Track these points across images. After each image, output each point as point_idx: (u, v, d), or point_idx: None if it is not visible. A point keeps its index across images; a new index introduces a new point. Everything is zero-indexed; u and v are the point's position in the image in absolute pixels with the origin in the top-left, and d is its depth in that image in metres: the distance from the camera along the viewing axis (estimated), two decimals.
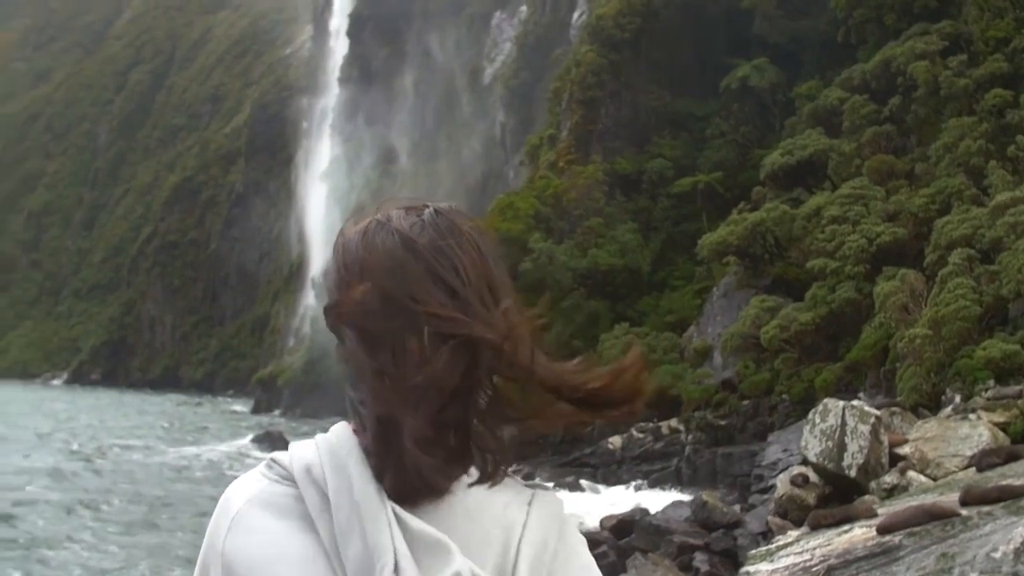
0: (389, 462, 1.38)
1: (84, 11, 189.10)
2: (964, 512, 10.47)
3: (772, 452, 24.13)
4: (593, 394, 1.45)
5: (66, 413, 70.53)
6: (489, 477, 1.42)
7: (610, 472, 32.24)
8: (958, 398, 21.04)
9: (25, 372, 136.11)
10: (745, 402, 31.48)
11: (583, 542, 1.48)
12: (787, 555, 11.56)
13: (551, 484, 29.51)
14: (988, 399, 19.62)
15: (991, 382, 20.97)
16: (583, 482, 31.33)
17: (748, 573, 11.46)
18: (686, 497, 25.27)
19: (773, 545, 13.27)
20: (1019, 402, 18.45)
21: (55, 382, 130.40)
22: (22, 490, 33.28)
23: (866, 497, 15.38)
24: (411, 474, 1.37)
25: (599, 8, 56.67)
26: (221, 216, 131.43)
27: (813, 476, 16.97)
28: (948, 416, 19.09)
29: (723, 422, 31.25)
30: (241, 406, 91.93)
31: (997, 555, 8.79)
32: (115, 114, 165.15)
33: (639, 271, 45.05)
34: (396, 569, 1.31)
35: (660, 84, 53.69)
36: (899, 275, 26.56)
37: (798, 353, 30.52)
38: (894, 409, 20.54)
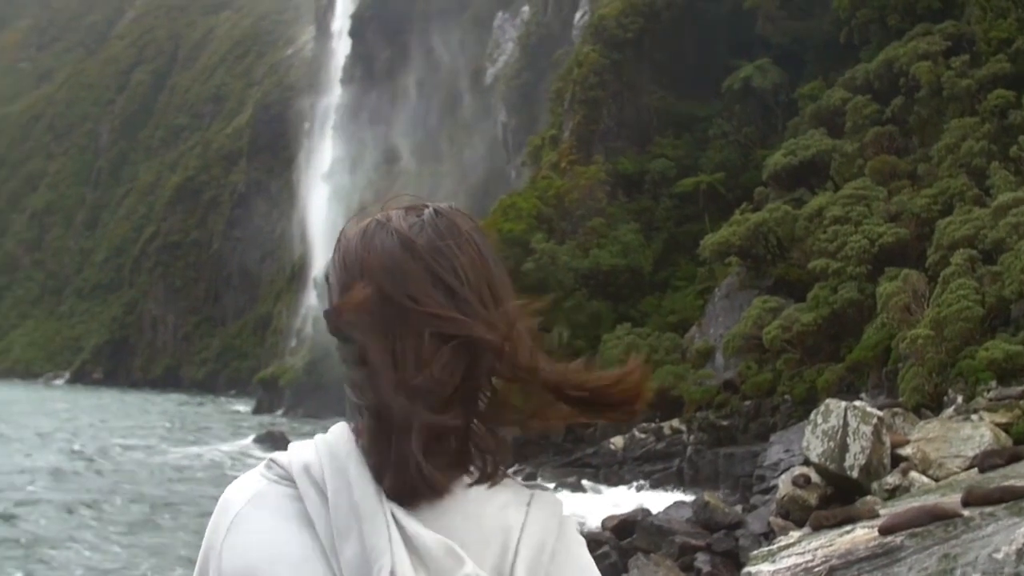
0: (388, 463, 1.38)
1: (87, 11, 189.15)
2: (966, 513, 10.46)
3: (774, 453, 24.13)
4: (594, 395, 1.45)
5: (68, 413, 70.54)
6: (488, 477, 1.42)
7: (612, 472, 32.24)
8: (960, 399, 21.02)
9: (27, 372, 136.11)
10: (747, 403, 31.47)
11: (582, 543, 1.48)
12: (789, 556, 11.55)
13: (553, 484, 29.53)
14: (990, 400, 19.60)
15: (993, 383, 20.95)
16: (585, 482, 31.33)
17: (750, 574, 11.45)
18: (688, 497, 25.28)
19: (775, 546, 13.26)
20: (1021, 403, 18.42)
21: (57, 382, 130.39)
22: (24, 490, 33.33)
23: (868, 498, 15.37)
24: (411, 475, 1.37)
25: (601, 8, 56.69)
26: (223, 216, 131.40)
27: (815, 477, 16.95)
28: (950, 417, 19.07)
29: (725, 423, 31.24)
30: (243, 406, 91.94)
31: (999, 556, 8.78)
32: (117, 114, 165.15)
33: (641, 271, 45.04)
34: (392, 572, 1.31)
35: (662, 84, 53.70)
36: (901, 276, 26.54)
37: (800, 354, 30.51)
38: (896, 410, 20.52)
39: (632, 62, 53.07)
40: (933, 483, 15.43)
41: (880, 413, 17.46)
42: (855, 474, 16.24)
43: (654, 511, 22.81)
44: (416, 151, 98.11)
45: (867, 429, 16.38)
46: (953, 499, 11.44)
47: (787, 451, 23.05)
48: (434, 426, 1.36)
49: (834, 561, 10.45)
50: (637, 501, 26.83)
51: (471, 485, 1.42)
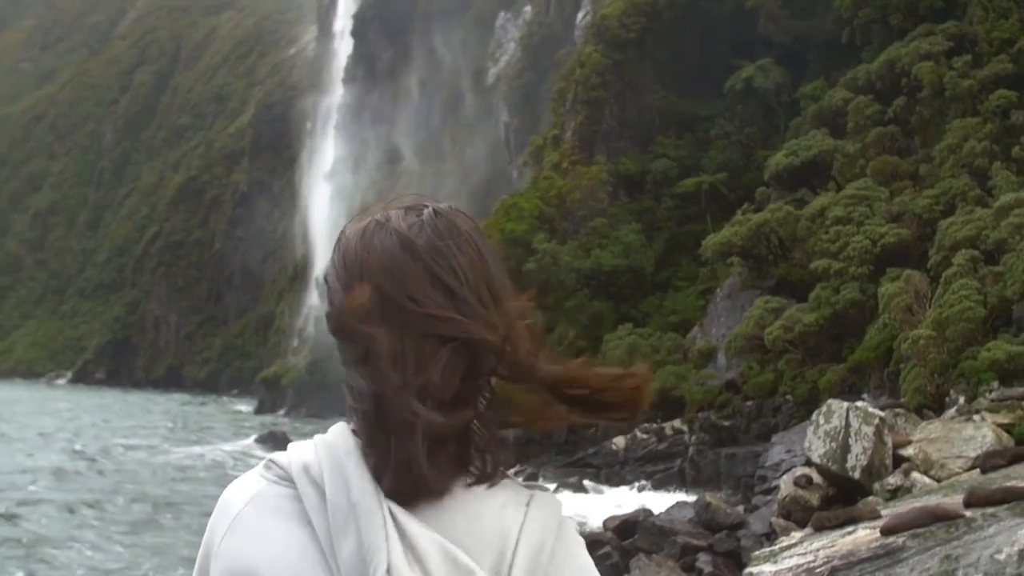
0: (388, 463, 1.38)
1: (89, 11, 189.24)
2: (968, 514, 10.45)
3: (776, 453, 24.13)
4: (594, 396, 1.46)
5: (70, 412, 70.59)
6: (487, 478, 1.42)
7: (613, 473, 32.23)
8: (962, 399, 21.01)
9: (30, 371, 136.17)
10: (749, 403, 31.45)
11: (581, 543, 1.48)
12: (791, 556, 11.54)
13: (554, 484, 29.54)
14: (992, 400, 19.58)
15: (995, 383, 20.94)
16: (587, 483, 31.32)
17: (752, 574, 11.45)
18: (690, 498, 25.27)
19: (777, 546, 13.26)
20: (1023, 403, 18.42)
21: (59, 381, 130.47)
22: (25, 489, 33.36)
23: (870, 498, 15.37)
24: (410, 475, 1.37)
25: (603, 8, 56.66)
26: (225, 216, 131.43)
27: (817, 477, 16.95)
28: (952, 417, 19.05)
29: (727, 423, 31.23)
30: (245, 406, 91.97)
31: (1001, 557, 8.77)
32: (120, 114, 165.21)
33: (643, 272, 45.01)
34: (389, 569, 1.31)
35: (664, 84, 53.67)
36: (903, 276, 26.52)
37: (802, 354, 30.49)
38: (898, 410, 20.50)
39: (634, 62, 53.05)
40: (935, 484, 15.42)
41: (882, 414, 17.45)
42: (857, 475, 16.23)
43: (656, 511, 22.81)
44: (418, 151, 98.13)
45: (869, 430, 16.37)
46: (955, 500, 11.42)
47: (789, 452, 23.05)
48: (435, 427, 1.36)
49: (836, 562, 10.44)
50: (639, 501, 26.82)
51: (470, 485, 1.42)
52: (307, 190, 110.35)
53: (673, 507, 23.27)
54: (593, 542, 20.42)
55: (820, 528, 12.79)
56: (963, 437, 16.87)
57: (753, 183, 42.30)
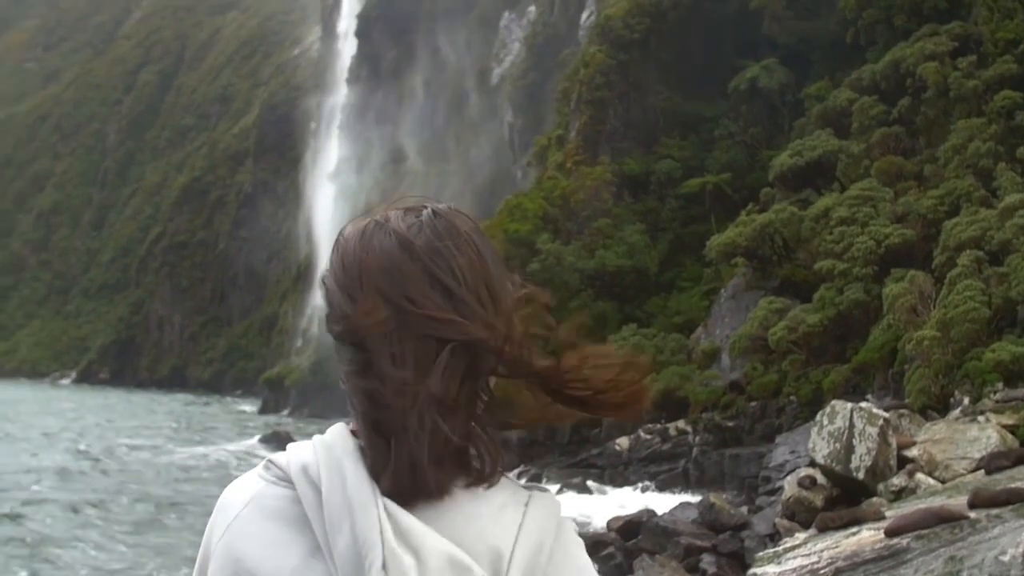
0: (387, 463, 1.37)
1: (94, 12, 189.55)
2: (972, 515, 10.44)
3: (780, 454, 24.11)
4: (595, 397, 1.45)
5: (74, 412, 70.69)
6: (486, 478, 1.42)
7: (617, 473, 32.20)
8: (967, 400, 20.99)
9: (34, 371, 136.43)
10: (753, 404, 31.43)
11: (580, 544, 1.47)
12: (794, 557, 11.53)
13: (558, 485, 29.55)
14: (997, 401, 19.57)
15: (1000, 384, 20.92)
16: (590, 483, 31.30)
17: (756, 575, 11.44)
18: (693, 498, 25.24)
19: (780, 547, 13.25)
20: None
21: (63, 381, 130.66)
22: (29, 489, 33.40)
23: (874, 499, 15.35)
24: (410, 475, 1.36)
25: (608, 8, 56.66)
26: (229, 216, 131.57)
27: (821, 478, 16.94)
28: (956, 418, 19.02)
29: (731, 424, 31.21)
30: (249, 406, 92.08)
31: (1006, 558, 8.76)
32: (124, 114, 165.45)
33: (647, 272, 45.00)
34: (384, 566, 1.30)
35: (669, 85, 53.66)
36: (907, 277, 26.49)
37: (806, 355, 30.46)
38: (902, 411, 20.49)
39: (638, 62, 53.05)
40: (939, 485, 15.40)
41: (886, 414, 17.44)
42: (861, 476, 16.22)
43: (659, 512, 22.80)
44: (422, 151, 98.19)
45: (873, 430, 16.35)
46: (959, 501, 11.42)
47: (793, 452, 23.03)
48: (436, 428, 1.36)
49: (840, 563, 10.43)
50: (642, 502, 26.80)
51: (469, 486, 1.41)
52: (311, 190, 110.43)
53: (677, 508, 23.24)
54: (597, 543, 20.42)
55: (824, 529, 12.79)
56: (967, 438, 16.84)
57: (757, 184, 42.27)
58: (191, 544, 24.93)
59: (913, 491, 15.41)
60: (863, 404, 18.05)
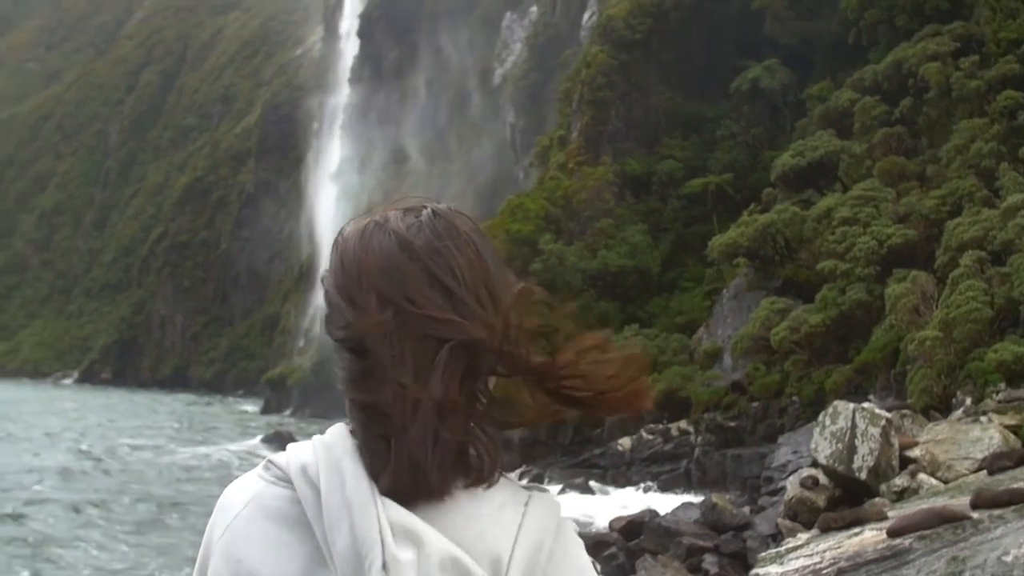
0: (387, 464, 1.37)
1: (95, 12, 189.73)
2: (975, 515, 10.43)
3: (782, 454, 24.09)
4: (595, 398, 1.45)
5: (76, 412, 70.72)
6: (486, 478, 1.41)
7: (619, 474, 32.20)
8: (969, 400, 20.98)
9: (36, 371, 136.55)
10: (755, 404, 31.42)
11: (580, 544, 1.47)
12: (797, 557, 11.52)
13: (560, 485, 29.56)
14: (999, 402, 19.55)
15: (1002, 385, 20.91)
16: (592, 483, 31.30)
17: (758, 575, 11.43)
18: (695, 499, 25.24)
19: (783, 547, 13.24)
20: None
21: (65, 381, 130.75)
22: (31, 489, 33.42)
23: (876, 500, 15.33)
24: (410, 475, 1.36)
25: (609, 9, 56.67)
26: (231, 216, 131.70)
27: (823, 478, 16.92)
28: (959, 419, 19.01)
29: (733, 424, 31.20)
30: (251, 406, 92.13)
31: (1008, 559, 8.74)
32: (126, 114, 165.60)
33: (649, 272, 45.00)
34: (384, 566, 1.29)
35: (670, 85, 53.66)
36: (910, 277, 26.49)
37: (808, 355, 30.44)
38: (904, 411, 20.48)
39: (640, 63, 53.04)
40: (942, 485, 15.39)
41: (888, 415, 17.42)
42: (863, 476, 16.20)
43: (662, 512, 22.80)
44: (425, 151, 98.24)
45: (875, 431, 16.34)
46: (962, 501, 11.40)
47: (795, 453, 23.02)
48: (436, 429, 1.36)
49: (842, 563, 10.41)
50: (645, 502, 26.80)
51: (468, 486, 1.41)
52: (313, 190, 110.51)
53: (679, 508, 23.24)
54: (599, 543, 20.43)
55: (826, 529, 12.77)
56: (970, 438, 16.82)
57: (759, 184, 42.25)
58: (193, 544, 24.93)
59: (915, 491, 15.40)
60: (865, 404, 18.03)
